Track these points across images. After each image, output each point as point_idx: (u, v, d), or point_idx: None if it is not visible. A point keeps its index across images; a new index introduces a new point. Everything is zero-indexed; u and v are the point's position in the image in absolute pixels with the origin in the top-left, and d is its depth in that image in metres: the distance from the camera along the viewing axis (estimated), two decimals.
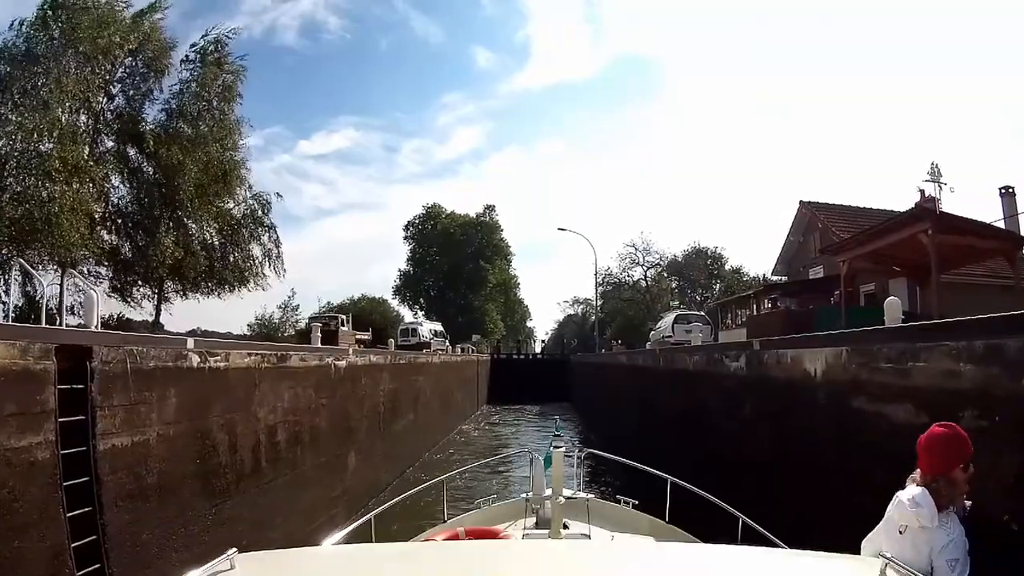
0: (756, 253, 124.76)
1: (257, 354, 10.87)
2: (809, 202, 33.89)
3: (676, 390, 15.44)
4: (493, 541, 5.05)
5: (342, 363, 14.83)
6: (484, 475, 17.06)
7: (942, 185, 20.23)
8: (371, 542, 4.49)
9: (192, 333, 32.10)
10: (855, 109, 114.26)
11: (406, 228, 78.20)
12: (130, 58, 28.33)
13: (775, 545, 4.25)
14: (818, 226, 32.30)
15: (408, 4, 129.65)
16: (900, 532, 3.36)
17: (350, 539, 4.09)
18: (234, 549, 2.72)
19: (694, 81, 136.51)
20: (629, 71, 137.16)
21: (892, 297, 8.94)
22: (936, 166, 20.62)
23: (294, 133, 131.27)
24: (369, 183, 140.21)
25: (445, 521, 6.36)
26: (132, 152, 28.49)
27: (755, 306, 28.24)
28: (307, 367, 12.85)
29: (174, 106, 28.97)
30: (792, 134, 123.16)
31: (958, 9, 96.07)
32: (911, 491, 3.39)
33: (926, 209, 16.75)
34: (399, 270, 77.47)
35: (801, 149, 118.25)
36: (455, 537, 5.51)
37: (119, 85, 28.38)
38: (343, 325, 35.29)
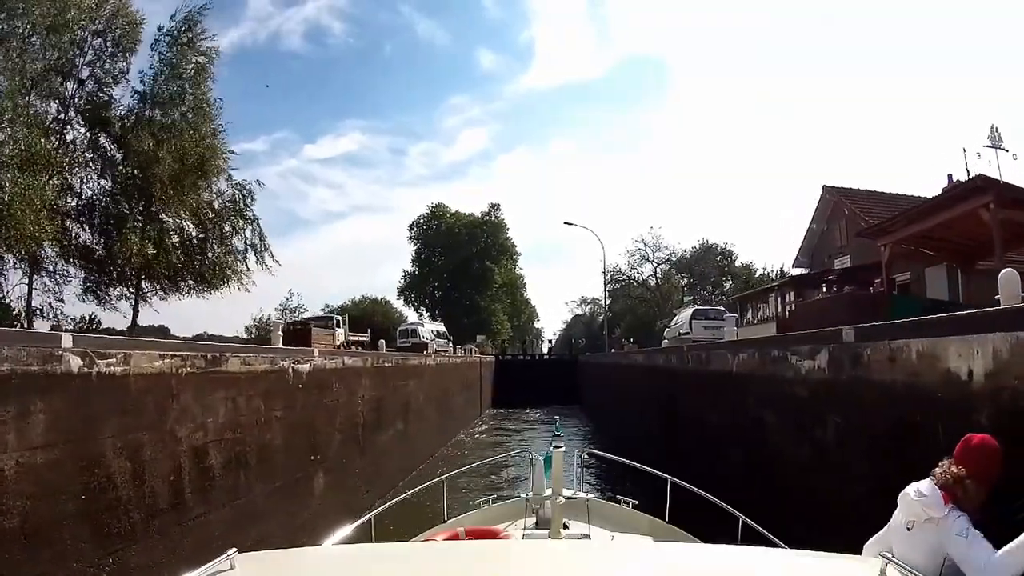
0: (767, 250, 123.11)
1: (175, 356, 8.49)
2: (834, 187, 31.40)
3: (711, 397, 12.77)
4: (493, 541, 5.03)
5: (304, 367, 12.36)
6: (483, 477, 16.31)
7: (1004, 151, 18.16)
8: (371, 542, 4.47)
9: (199, 338, 30.53)
10: (862, 109, 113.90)
11: (411, 228, 77.58)
12: (98, 39, 26.53)
13: (775, 545, 4.21)
14: (844, 213, 29.87)
15: (412, 7, 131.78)
16: (908, 529, 3.45)
17: (350, 539, 4.10)
18: (234, 549, 2.66)
19: (700, 80, 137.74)
20: (636, 71, 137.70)
21: (1008, 269, 6.57)
22: (996, 129, 18.43)
23: (301, 137, 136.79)
24: (376, 186, 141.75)
25: (445, 521, 6.34)
26: (104, 140, 26.75)
27: (779, 299, 25.80)
28: (253, 372, 10.41)
29: (144, 91, 27.22)
30: (798, 133, 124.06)
31: (957, 9, 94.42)
32: (916, 484, 3.50)
33: (989, 179, 14.40)
34: (403, 271, 77.04)
35: (807, 148, 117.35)
36: (455, 537, 5.48)
37: (88, 69, 26.55)
38: (339, 326, 34.17)
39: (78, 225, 26.57)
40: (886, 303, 13.93)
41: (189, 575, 2.41)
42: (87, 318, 30.49)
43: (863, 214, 26.85)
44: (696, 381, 14.19)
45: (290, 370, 11.77)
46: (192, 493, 8.69)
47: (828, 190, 31.59)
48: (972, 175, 20.09)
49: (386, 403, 18.59)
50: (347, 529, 4.29)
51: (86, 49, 26.12)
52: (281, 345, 14.04)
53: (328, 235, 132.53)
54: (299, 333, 18.63)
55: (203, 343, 10.41)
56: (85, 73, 26.31)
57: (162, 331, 49.61)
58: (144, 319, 29.52)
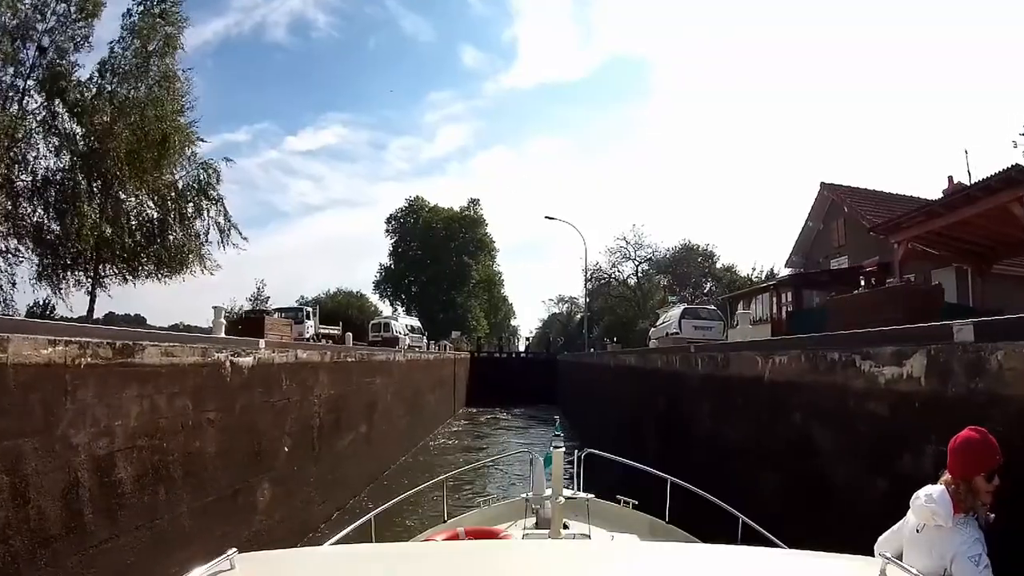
0: (749, 253, 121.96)
1: (71, 343, 6.78)
2: (832, 184, 30.04)
3: (729, 407, 10.85)
4: (493, 541, 5.05)
5: (246, 360, 10.59)
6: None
7: None
8: (371, 542, 4.50)
9: (175, 328, 28.79)
10: (855, 109, 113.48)
11: (388, 221, 76.66)
12: (61, 4, 24.86)
13: (775, 545, 4.17)
14: (844, 211, 28.57)
15: (397, 2, 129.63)
16: (917, 531, 3.29)
17: (350, 539, 4.11)
18: (234, 549, 2.61)
19: (685, 80, 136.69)
20: (620, 71, 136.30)
21: None
22: None
23: (282, 129, 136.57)
24: (357, 179, 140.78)
25: (445, 521, 6.33)
26: (61, 111, 25.00)
27: (775, 299, 24.40)
28: (177, 365, 8.67)
29: (108, 62, 25.85)
30: (785, 135, 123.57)
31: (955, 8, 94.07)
32: (929, 488, 3.30)
33: None
34: (380, 264, 76.06)
35: (794, 149, 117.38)
36: (455, 537, 5.50)
37: (48, 37, 24.78)
38: (309, 318, 33.07)
39: (31, 204, 24.95)
40: (939, 301, 12.40)
41: (189, 575, 2.34)
42: (40, 304, 29.02)
43: (865, 213, 25.53)
44: (708, 387, 12.29)
45: (227, 364, 10.00)
46: (94, 514, 7.07)
47: (826, 187, 30.19)
48: (972, 174, 19.05)
49: (346, 403, 16.89)
50: (347, 529, 4.30)
51: (48, 15, 24.62)
52: (223, 335, 12.29)
53: (307, 228, 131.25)
54: (251, 323, 16.76)
55: (108, 328, 8.66)
56: (46, 40, 24.71)
57: (138, 320, 48.58)
58: (119, 307, 28.06)
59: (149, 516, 7.97)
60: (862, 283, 15.67)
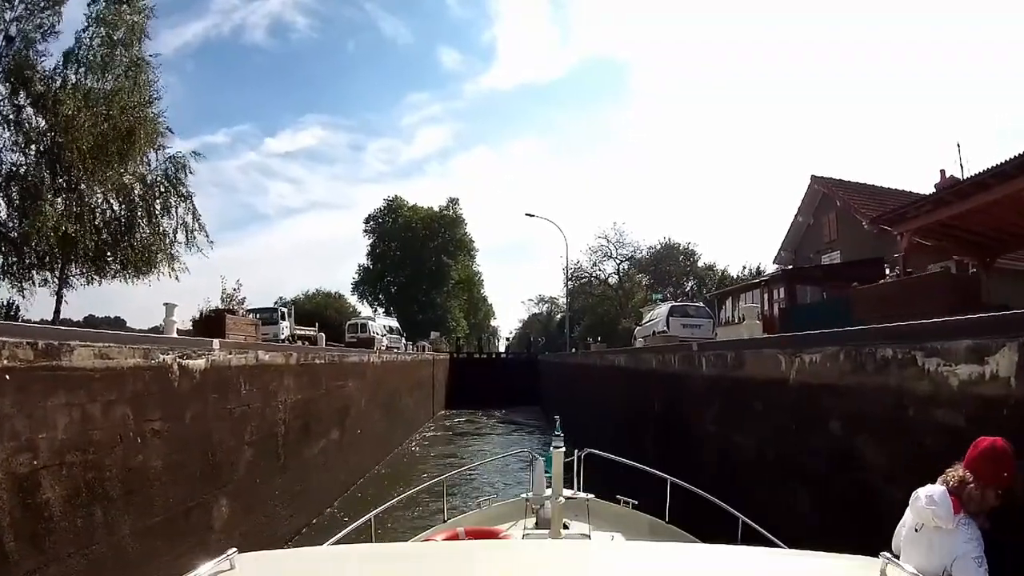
0: (731, 252, 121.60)
1: None
2: (823, 178, 29.42)
3: (740, 413, 9.71)
4: (493, 541, 5.10)
5: (197, 363, 9.51)
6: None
7: None
8: (371, 542, 4.55)
9: (155, 331, 27.70)
10: (841, 105, 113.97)
11: (366, 221, 75.69)
12: None
13: (775, 545, 4.16)
14: (835, 205, 28.01)
15: (376, 4, 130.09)
16: (916, 530, 3.30)
17: (350, 539, 4.14)
18: (234, 549, 2.61)
19: (664, 83, 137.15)
20: (598, 73, 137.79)
21: None
22: None
23: (261, 131, 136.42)
24: (336, 182, 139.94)
25: (445, 521, 6.35)
26: (24, 104, 23.81)
27: (767, 296, 23.59)
28: (114, 369, 7.62)
29: (74, 52, 24.74)
30: (768, 133, 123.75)
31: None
32: (929, 489, 3.30)
33: None
34: (359, 265, 75.01)
35: (779, 148, 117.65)
36: (455, 537, 5.52)
37: (16, 25, 23.70)
38: (284, 319, 31.82)
39: None
40: (979, 290, 11.53)
41: (189, 575, 2.33)
42: (5, 304, 27.83)
43: (858, 206, 24.82)
44: (716, 390, 11.11)
45: (175, 367, 8.94)
46: (16, 541, 6.13)
47: (817, 181, 29.55)
48: (964, 167, 18.54)
49: (316, 408, 15.87)
50: (347, 529, 4.31)
51: (15, 3, 23.57)
52: (175, 334, 11.13)
53: (287, 230, 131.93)
54: (209, 322, 15.52)
55: (26, 326, 7.63)
56: (14, 29, 23.63)
57: (117, 323, 47.15)
58: (100, 310, 27.01)
59: (84, 541, 7.01)
60: (887, 273, 14.82)
